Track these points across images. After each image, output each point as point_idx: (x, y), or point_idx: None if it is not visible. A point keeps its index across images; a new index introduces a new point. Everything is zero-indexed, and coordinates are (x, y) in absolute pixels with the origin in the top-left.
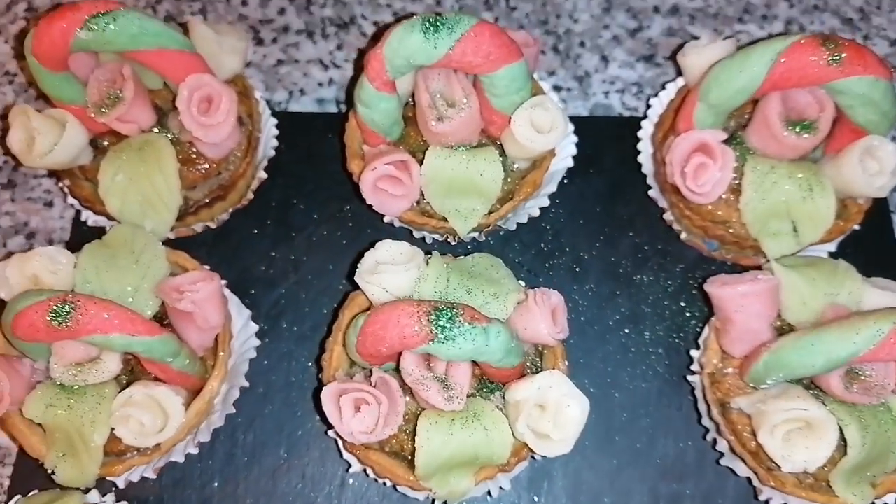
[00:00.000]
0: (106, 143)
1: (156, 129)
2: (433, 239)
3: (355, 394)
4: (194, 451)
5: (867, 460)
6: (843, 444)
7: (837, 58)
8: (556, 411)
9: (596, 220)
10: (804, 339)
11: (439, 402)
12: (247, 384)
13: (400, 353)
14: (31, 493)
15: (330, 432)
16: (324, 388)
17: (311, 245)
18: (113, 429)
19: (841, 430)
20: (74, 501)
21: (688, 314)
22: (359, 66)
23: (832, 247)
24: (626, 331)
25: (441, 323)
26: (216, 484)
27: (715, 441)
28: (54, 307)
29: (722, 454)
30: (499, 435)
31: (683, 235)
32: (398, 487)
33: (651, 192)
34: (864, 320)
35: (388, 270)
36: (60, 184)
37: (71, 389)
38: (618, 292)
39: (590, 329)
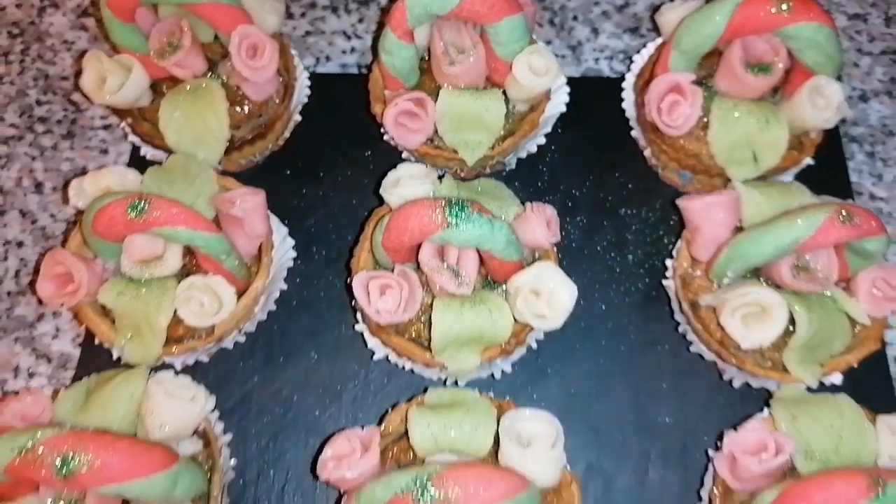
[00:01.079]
0: (164, 88)
1: (208, 75)
2: (444, 171)
3: (382, 280)
4: (241, 339)
5: (814, 341)
6: (793, 330)
7: (786, 7)
8: (549, 295)
9: (586, 163)
10: (756, 231)
11: (451, 286)
12: (285, 286)
13: (418, 251)
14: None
15: (357, 327)
16: (355, 277)
17: (337, 183)
18: (175, 313)
19: (791, 315)
20: (140, 374)
21: (665, 241)
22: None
23: (789, 177)
24: (612, 254)
25: (454, 212)
26: (256, 379)
27: (685, 334)
28: (132, 202)
29: (691, 342)
30: (501, 316)
31: (661, 171)
32: (415, 369)
33: (633, 133)
34: (805, 211)
35: (408, 184)
36: (123, 123)
37: (139, 282)
38: (604, 223)
39: (579, 254)
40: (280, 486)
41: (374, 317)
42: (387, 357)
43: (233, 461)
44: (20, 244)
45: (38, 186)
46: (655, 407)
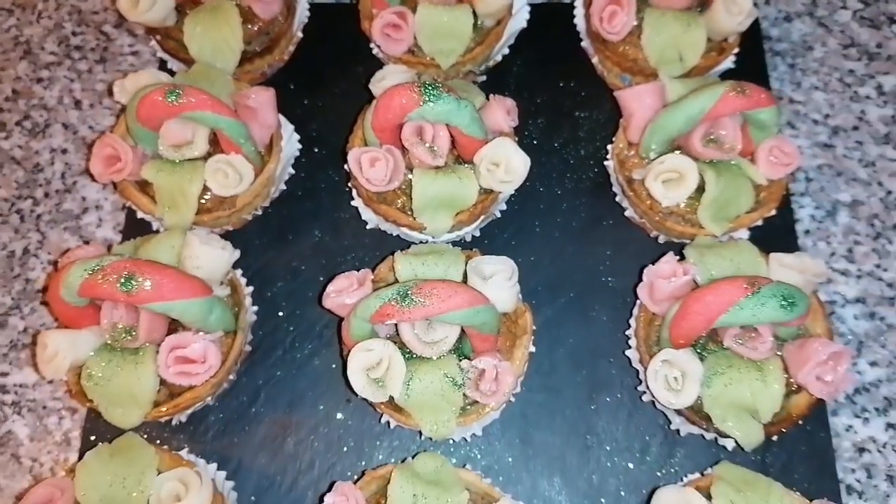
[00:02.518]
0: (187, 9)
1: None
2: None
3: (371, 153)
4: (259, 212)
5: (722, 200)
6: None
7: None
8: (506, 163)
9: (544, 74)
10: (672, 107)
11: (427, 158)
12: (293, 171)
13: (401, 130)
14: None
15: (353, 203)
16: (350, 152)
17: (334, 94)
18: (204, 188)
19: (703, 179)
20: (179, 232)
21: (612, 138)
22: None
23: (713, 78)
24: (567, 150)
25: (428, 91)
26: (270, 253)
27: (622, 205)
28: (168, 89)
29: (626, 209)
30: (468, 183)
31: (607, 76)
32: (401, 234)
33: (584, 44)
34: (708, 87)
35: (392, 79)
36: (153, 41)
37: (173, 162)
38: (561, 124)
39: (539, 149)
40: (292, 326)
41: (366, 185)
42: (378, 227)
43: (255, 307)
44: (64, 151)
45: (77, 103)
46: (601, 270)
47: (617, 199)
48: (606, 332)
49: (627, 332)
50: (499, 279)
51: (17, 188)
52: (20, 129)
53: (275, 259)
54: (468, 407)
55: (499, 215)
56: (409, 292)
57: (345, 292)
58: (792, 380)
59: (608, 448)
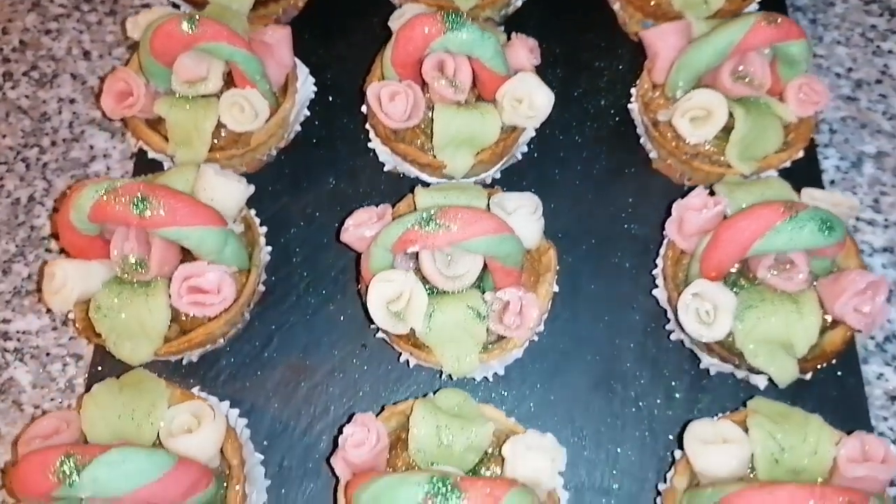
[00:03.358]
0: None
1: None
2: None
3: (391, 87)
4: (273, 153)
5: (751, 137)
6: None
7: None
8: (529, 99)
9: (564, 26)
10: (699, 41)
11: (449, 93)
12: (308, 113)
13: (421, 66)
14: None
15: (370, 144)
16: (368, 87)
17: (350, 44)
18: (217, 127)
19: (731, 117)
20: (192, 166)
21: (632, 86)
22: None
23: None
24: (587, 99)
25: (451, 19)
26: (285, 199)
27: (647, 149)
28: (184, 20)
29: (650, 151)
30: (490, 119)
31: (628, 23)
32: (419, 177)
33: None
34: (739, 19)
35: (412, 13)
36: None
37: (187, 98)
38: (581, 74)
39: (559, 99)
40: (306, 272)
41: (385, 121)
42: (395, 169)
43: (269, 248)
44: (72, 101)
45: (87, 54)
46: (623, 217)
47: (641, 141)
48: (629, 278)
49: (654, 273)
50: (523, 212)
51: (22, 137)
52: (27, 80)
53: (289, 205)
54: (490, 346)
55: (520, 157)
56: (433, 217)
57: (364, 225)
58: (826, 316)
59: (633, 393)
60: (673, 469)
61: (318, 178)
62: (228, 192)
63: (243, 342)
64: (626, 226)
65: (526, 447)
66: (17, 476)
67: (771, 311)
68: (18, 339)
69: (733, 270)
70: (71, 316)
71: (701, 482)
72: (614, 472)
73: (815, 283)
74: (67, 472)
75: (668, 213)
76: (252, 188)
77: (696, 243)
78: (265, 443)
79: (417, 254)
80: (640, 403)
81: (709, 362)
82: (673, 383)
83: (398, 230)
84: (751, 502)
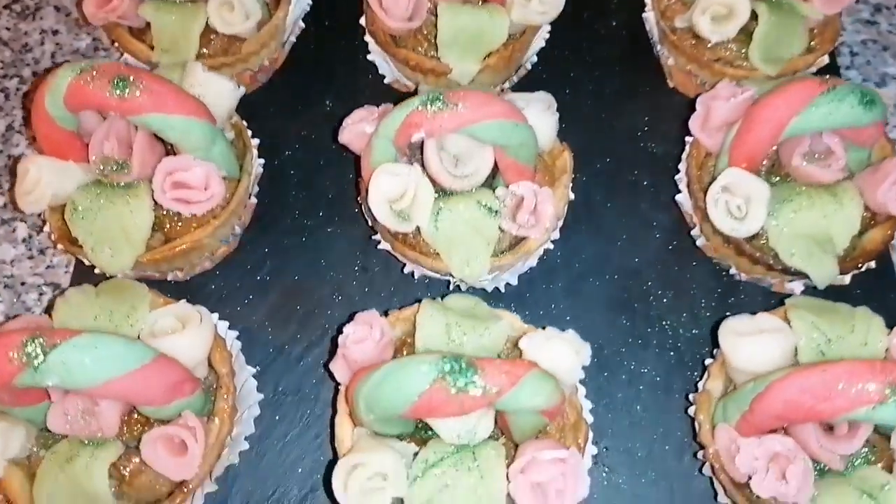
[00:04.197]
0: None
1: None
2: None
3: None
4: (266, 65)
5: (774, 37)
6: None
7: None
8: None
9: None
10: None
11: None
12: (303, 26)
13: None
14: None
15: (369, 57)
16: None
17: None
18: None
19: (754, 16)
20: (178, 67)
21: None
22: None
23: None
24: (597, 21)
25: None
26: (279, 122)
27: (664, 56)
28: None
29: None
30: (499, 18)
31: None
32: (419, 89)
33: None
34: None
35: None
36: None
37: (173, 2)
38: (613, 22)
39: (568, 21)
40: (302, 194)
41: (385, 20)
42: (397, 81)
43: (261, 160)
44: (55, 32)
45: None
46: (639, 136)
47: (656, 51)
48: (648, 195)
49: (677, 178)
50: (538, 107)
51: (2, 67)
52: (9, 13)
53: (284, 128)
54: (502, 254)
55: (529, 68)
56: (439, 96)
57: (364, 121)
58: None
59: (656, 312)
60: (705, 375)
61: (314, 100)
62: (219, 90)
63: (234, 266)
64: (642, 144)
65: (546, 338)
66: None
67: (807, 204)
68: None
69: (763, 166)
70: (47, 229)
71: (737, 384)
72: (639, 390)
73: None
74: (32, 354)
75: (686, 132)
76: (242, 90)
77: (722, 140)
78: (258, 368)
79: (422, 155)
80: (664, 323)
81: (736, 270)
82: (699, 301)
83: (401, 114)
84: (804, 382)
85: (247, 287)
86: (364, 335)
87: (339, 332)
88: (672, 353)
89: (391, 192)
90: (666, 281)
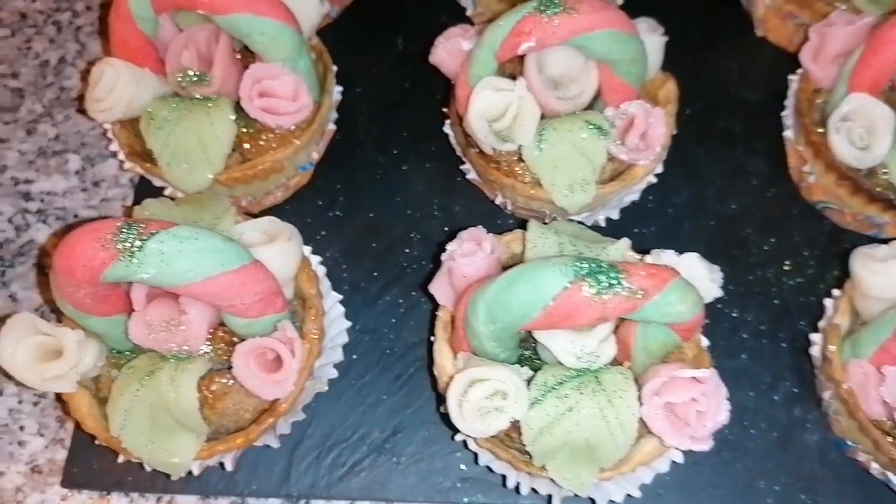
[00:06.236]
0: None
1: None
2: None
3: None
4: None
5: None
6: None
7: None
8: None
9: None
10: None
11: None
12: None
13: None
14: None
15: None
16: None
17: None
18: None
19: None
20: None
21: None
22: None
23: None
24: None
25: None
26: (349, 59)
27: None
28: None
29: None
30: None
31: None
32: None
33: None
34: None
35: None
36: None
37: None
38: None
39: None
40: (375, 130)
41: None
42: (479, 15)
43: (339, 87)
44: None
45: None
46: (729, 83)
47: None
48: (742, 142)
49: (783, 115)
50: (643, 27)
51: (54, 1)
52: None
53: (355, 65)
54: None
55: None
56: (555, 1)
57: (462, 37)
58: None
59: (756, 259)
60: (832, 308)
61: (383, 43)
62: (305, 2)
63: (306, 200)
64: (731, 91)
65: (677, 255)
66: (63, 251)
67: None
68: (42, 200)
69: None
70: (113, 147)
71: (863, 318)
72: (743, 339)
73: None
74: (128, 242)
75: (778, 81)
76: (328, 6)
77: (836, 72)
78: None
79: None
80: (767, 271)
81: (841, 218)
82: (801, 250)
83: (513, 19)
84: None
85: (320, 222)
86: (473, 250)
87: (442, 249)
88: (777, 302)
89: (493, 110)
90: (765, 228)
